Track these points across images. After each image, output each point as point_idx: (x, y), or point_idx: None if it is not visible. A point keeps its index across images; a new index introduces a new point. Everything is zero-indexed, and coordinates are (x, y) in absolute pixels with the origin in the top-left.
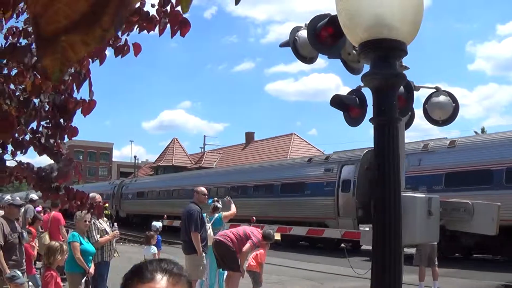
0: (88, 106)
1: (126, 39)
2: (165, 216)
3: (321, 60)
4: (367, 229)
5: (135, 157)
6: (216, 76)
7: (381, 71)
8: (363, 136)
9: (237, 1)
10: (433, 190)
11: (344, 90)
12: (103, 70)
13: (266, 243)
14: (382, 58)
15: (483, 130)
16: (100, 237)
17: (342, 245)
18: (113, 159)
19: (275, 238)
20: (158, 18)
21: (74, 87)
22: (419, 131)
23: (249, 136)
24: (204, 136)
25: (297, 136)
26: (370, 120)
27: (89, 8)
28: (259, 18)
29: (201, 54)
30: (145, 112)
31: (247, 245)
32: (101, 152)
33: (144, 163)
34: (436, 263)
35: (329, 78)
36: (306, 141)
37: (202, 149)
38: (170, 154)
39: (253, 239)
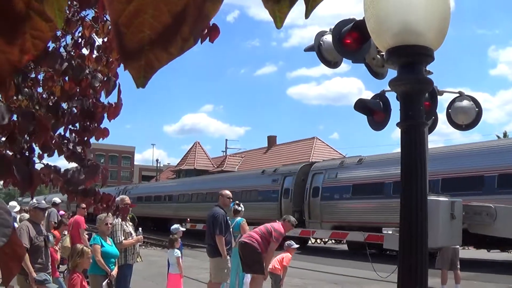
0: (114, 111)
1: None
2: (188, 219)
3: (344, 64)
4: (390, 232)
5: (157, 160)
6: (238, 80)
7: (408, 77)
8: (384, 140)
9: (307, 14)
10: (343, 198)
11: (366, 94)
12: (123, 73)
13: (293, 248)
14: (409, 64)
15: (505, 135)
16: (124, 239)
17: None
18: (135, 163)
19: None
20: None
21: (103, 92)
22: (441, 135)
23: (271, 140)
24: (226, 140)
25: (319, 140)
26: (397, 124)
27: (171, 20)
28: None
29: (223, 58)
30: (166, 115)
31: (271, 245)
32: (123, 155)
33: (166, 166)
34: (458, 266)
35: (351, 82)
36: (328, 145)
37: (224, 153)
38: (192, 158)
39: (274, 234)
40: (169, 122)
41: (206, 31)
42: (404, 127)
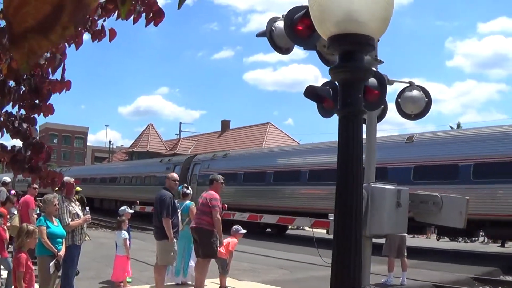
0: (60, 86)
1: (102, 24)
2: (138, 201)
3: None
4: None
5: (109, 142)
6: (194, 63)
7: (348, 65)
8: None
9: (179, 5)
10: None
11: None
12: (81, 54)
13: (240, 233)
14: (350, 52)
15: (458, 126)
16: (71, 221)
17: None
18: (88, 144)
19: None
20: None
21: (50, 71)
22: (395, 124)
23: (225, 124)
24: (180, 123)
25: (273, 125)
26: (336, 112)
27: (51, 10)
28: (241, 7)
29: (180, 41)
30: (121, 97)
31: (213, 213)
32: (76, 136)
33: (119, 148)
34: (406, 254)
35: (308, 69)
36: (281, 131)
37: (178, 136)
38: (145, 140)
39: (211, 203)
40: (123, 104)
41: (151, 14)
42: (342, 115)
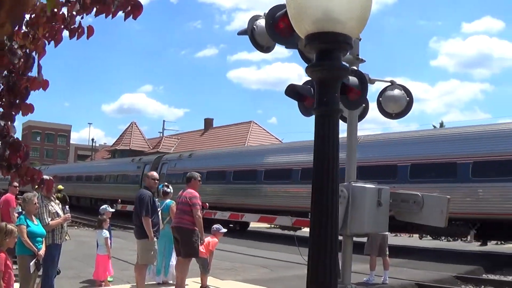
0: (38, 83)
1: (80, 21)
2: (119, 200)
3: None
4: None
5: (92, 140)
6: (178, 61)
7: (325, 63)
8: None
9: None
10: (177, 183)
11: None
12: (64, 51)
13: (221, 232)
14: (327, 51)
15: (441, 125)
16: (51, 220)
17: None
18: (71, 142)
19: None
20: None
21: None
22: (378, 123)
23: (208, 123)
24: (164, 121)
25: (256, 124)
26: (312, 110)
27: None
28: (225, 5)
29: (164, 38)
30: (105, 94)
31: (193, 212)
32: (59, 134)
33: (102, 146)
34: (387, 253)
35: (292, 68)
36: (264, 129)
37: (161, 134)
38: (128, 138)
39: (190, 201)
40: (107, 101)
41: (129, 8)
42: (319, 113)
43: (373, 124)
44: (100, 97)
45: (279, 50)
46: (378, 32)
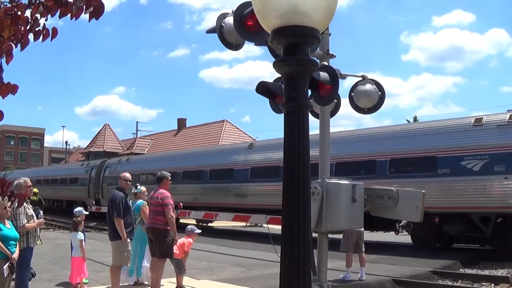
0: (6, 88)
1: (44, 24)
2: (93, 202)
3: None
4: None
5: (66, 142)
6: (150, 62)
7: (293, 58)
8: None
9: None
10: (116, 184)
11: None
12: (36, 55)
13: (195, 233)
14: (294, 45)
15: (415, 119)
16: (27, 222)
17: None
18: (45, 145)
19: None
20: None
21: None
22: (352, 119)
23: (181, 123)
24: (137, 122)
25: (229, 123)
26: (281, 106)
27: None
28: (195, 5)
29: (135, 40)
30: (78, 97)
31: (166, 211)
32: (33, 137)
33: (76, 148)
34: (363, 249)
35: (264, 66)
36: (238, 128)
37: (135, 135)
38: (102, 140)
39: (162, 201)
40: (80, 104)
41: (92, 8)
42: (288, 109)
43: (347, 120)
44: (73, 100)
45: (251, 48)
46: (349, 28)
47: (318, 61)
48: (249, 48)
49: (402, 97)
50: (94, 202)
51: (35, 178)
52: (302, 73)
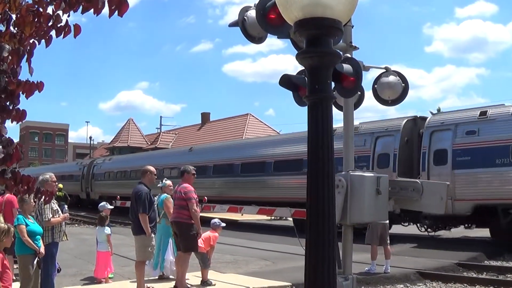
0: (30, 87)
1: (67, 20)
2: (118, 197)
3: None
4: None
5: (90, 138)
6: (174, 57)
7: (315, 50)
8: None
9: None
10: (100, 179)
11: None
12: (61, 51)
13: (220, 227)
14: (316, 37)
15: (439, 111)
16: (52, 217)
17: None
18: (70, 141)
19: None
20: None
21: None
22: (376, 111)
23: (205, 117)
24: (161, 117)
25: (253, 116)
26: (304, 98)
27: None
28: (218, 0)
29: (158, 35)
30: (102, 93)
31: (189, 206)
32: (57, 133)
33: (100, 144)
34: (388, 241)
35: (287, 60)
36: (261, 121)
37: (159, 130)
38: (126, 135)
39: (185, 196)
40: (104, 99)
41: (114, 6)
42: (311, 101)
43: (371, 112)
44: (97, 96)
45: (274, 42)
46: (372, 20)
47: (341, 53)
48: (272, 41)
49: (425, 89)
50: (119, 197)
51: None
52: (325, 65)
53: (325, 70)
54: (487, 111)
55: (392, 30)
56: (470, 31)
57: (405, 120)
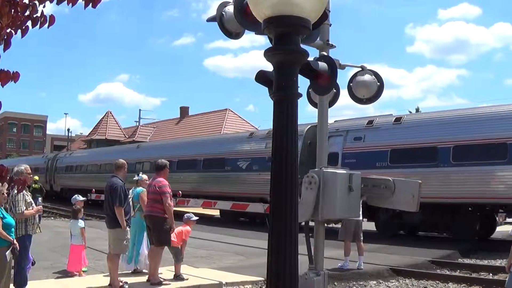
0: (5, 76)
1: (42, 10)
2: (93, 190)
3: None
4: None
5: (68, 130)
6: (155, 50)
7: (283, 47)
8: (299, 113)
9: None
10: (61, 173)
11: None
12: (41, 41)
13: (193, 220)
14: (284, 35)
15: (417, 110)
16: (26, 210)
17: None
18: (48, 132)
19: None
20: None
21: None
22: (356, 110)
23: (184, 111)
24: (140, 110)
25: (232, 111)
26: (270, 95)
27: None
28: None
29: (141, 28)
30: (82, 84)
31: (164, 200)
32: (36, 124)
33: (79, 136)
34: (362, 238)
35: None
36: (240, 117)
37: (137, 123)
38: (104, 128)
39: (160, 190)
40: (84, 91)
41: None
42: (277, 98)
43: (352, 110)
44: (77, 87)
45: (256, 38)
46: (356, 19)
47: (318, 51)
48: (254, 37)
49: (406, 88)
50: (94, 190)
51: (10, 167)
52: (292, 63)
53: (292, 67)
54: (373, 120)
55: (375, 29)
56: (452, 32)
57: (309, 126)
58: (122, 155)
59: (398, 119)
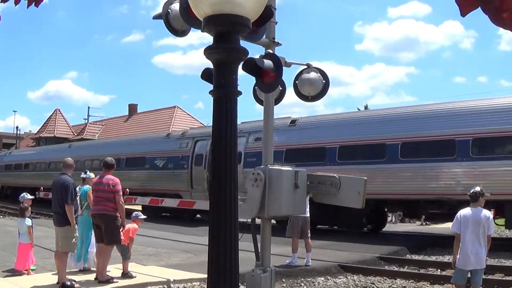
0: None
1: None
2: (42, 188)
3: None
4: (241, 202)
5: (17, 127)
6: (104, 47)
7: (222, 46)
8: (248, 111)
9: None
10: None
11: None
12: None
13: (140, 219)
14: (224, 33)
15: (366, 108)
16: None
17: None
18: None
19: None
20: None
21: None
22: (305, 107)
23: (132, 108)
24: (88, 107)
25: (180, 109)
26: (210, 92)
27: None
28: None
29: (89, 24)
30: (30, 81)
31: (116, 198)
32: None
33: (27, 134)
34: (309, 235)
35: None
36: (189, 114)
37: (86, 121)
38: (52, 125)
39: (113, 188)
40: (33, 88)
41: None
42: (216, 96)
43: (300, 107)
44: (26, 84)
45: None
46: (304, 17)
47: (264, 48)
48: (203, 34)
49: (355, 86)
50: (42, 188)
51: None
52: (231, 61)
53: (231, 65)
54: (274, 121)
55: (324, 27)
56: (401, 30)
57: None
58: (53, 154)
59: (293, 122)
